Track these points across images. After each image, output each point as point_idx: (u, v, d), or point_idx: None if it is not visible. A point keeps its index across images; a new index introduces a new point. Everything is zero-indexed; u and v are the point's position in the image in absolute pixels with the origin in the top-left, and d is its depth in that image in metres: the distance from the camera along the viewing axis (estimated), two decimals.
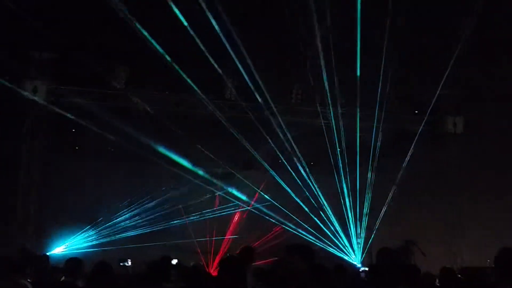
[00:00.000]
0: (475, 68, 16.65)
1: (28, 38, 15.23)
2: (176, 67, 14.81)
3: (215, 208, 18.82)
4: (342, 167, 18.38)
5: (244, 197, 18.58)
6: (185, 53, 15.01)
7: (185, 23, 13.23)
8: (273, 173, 17.94)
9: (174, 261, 11.37)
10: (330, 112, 17.61)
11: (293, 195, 17.89)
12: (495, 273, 4.83)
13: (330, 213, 18.43)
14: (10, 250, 14.06)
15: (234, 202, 18.64)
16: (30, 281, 6.26)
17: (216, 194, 18.81)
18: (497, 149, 17.99)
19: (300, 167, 17.69)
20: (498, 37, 15.98)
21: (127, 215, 17.91)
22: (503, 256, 4.68)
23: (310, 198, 18.07)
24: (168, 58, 14.51)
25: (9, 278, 5.47)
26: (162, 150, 16.60)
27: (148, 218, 17.78)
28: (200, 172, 17.86)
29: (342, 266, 7.45)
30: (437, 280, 7.31)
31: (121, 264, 13.18)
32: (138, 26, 13.58)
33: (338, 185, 18.28)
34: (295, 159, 17.54)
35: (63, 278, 6.99)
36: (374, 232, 18.66)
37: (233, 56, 14.71)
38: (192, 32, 13.73)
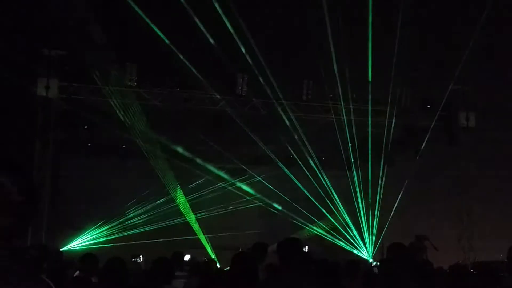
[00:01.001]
0: (487, 64, 16.57)
1: (40, 36, 15.32)
2: (187, 63, 14.85)
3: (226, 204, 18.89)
4: (354, 162, 18.36)
5: (255, 193, 18.61)
6: (195, 50, 15.05)
7: (198, 23, 13.22)
8: (285, 168, 17.94)
9: (187, 257, 11.44)
10: (342, 108, 17.59)
11: (304, 190, 17.89)
12: (508, 268, 4.86)
13: (342, 208, 18.41)
14: (24, 246, 14.19)
15: (245, 197, 18.68)
16: (45, 276, 6.31)
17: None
18: (510, 144, 17.88)
19: (311, 163, 17.69)
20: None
21: (139, 211, 18.00)
22: None
23: (322, 193, 18.06)
24: (180, 55, 14.55)
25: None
26: (173, 146, 16.67)
27: (160, 213, 17.85)
28: (212, 168, 17.93)
29: (355, 261, 7.46)
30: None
31: (133, 260, 13.22)
32: (149, 22, 13.61)
33: (349, 181, 18.27)
34: (306, 154, 17.53)
35: (77, 273, 7.05)
36: (386, 227, 18.63)
37: (244, 52, 14.73)
38: (203, 28, 13.76)
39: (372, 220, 18.57)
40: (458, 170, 18.58)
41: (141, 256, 14.04)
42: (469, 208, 18.47)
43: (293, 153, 17.59)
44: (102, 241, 17.36)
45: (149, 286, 6.38)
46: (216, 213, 18.58)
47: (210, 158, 18.03)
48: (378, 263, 14.32)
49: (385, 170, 18.35)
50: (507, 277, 4.96)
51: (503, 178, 18.06)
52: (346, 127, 17.55)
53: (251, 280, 4.79)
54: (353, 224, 18.60)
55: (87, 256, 7.29)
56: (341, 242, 18.59)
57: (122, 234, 17.50)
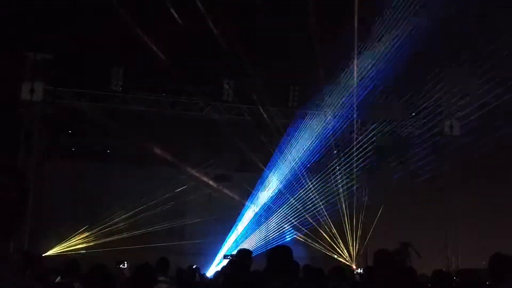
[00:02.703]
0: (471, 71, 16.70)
1: (25, 39, 15.23)
2: (173, 68, 14.84)
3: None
4: (338, 168, 18.42)
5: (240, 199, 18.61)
6: (181, 55, 15.05)
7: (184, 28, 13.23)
8: (269, 175, 17.97)
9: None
10: (327, 114, 17.67)
11: (288, 197, 17.92)
12: (490, 275, 4.92)
13: (326, 214, 18.44)
14: (7, 252, 14.03)
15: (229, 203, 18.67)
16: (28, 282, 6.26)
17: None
18: (493, 152, 18.03)
19: (296, 169, 17.74)
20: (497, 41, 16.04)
21: (123, 216, 17.88)
22: (496, 262, 4.80)
23: (305, 199, 18.10)
24: (166, 61, 14.54)
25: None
26: (158, 151, 16.63)
27: (145, 219, 17.74)
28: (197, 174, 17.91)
29: (339, 268, 7.48)
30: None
31: (117, 266, 13.14)
32: (135, 27, 13.60)
33: (334, 187, 18.31)
34: (291, 160, 17.58)
35: (58, 279, 6.99)
36: (369, 234, 18.70)
37: (230, 58, 14.76)
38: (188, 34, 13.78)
39: (355, 226, 18.62)
40: (442, 177, 18.71)
41: (125, 262, 13.97)
42: (452, 215, 18.59)
43: (277, 158, 17.63)
44: (85, 247, 17.22)
45: None
46: (202, 219, 18.52)
47: (195, 163, 18.01)
48: (361, 271, 14.37)
49: (369, 177, 18.44)
50: (491, 285, 5.00)
51: (487, 186, 18.21)
52: (331, 133, 17.63)
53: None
54: (336, 231, 18.63)
55: (67, 262, 7.25)
56: (325, 250, 18.62)
57: (106, 240, 17.36)
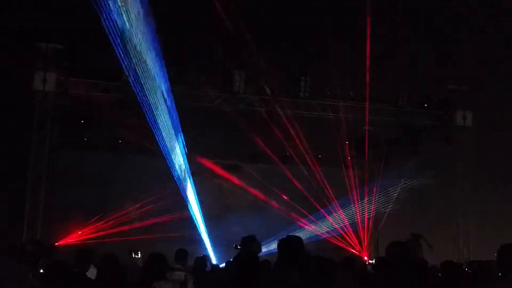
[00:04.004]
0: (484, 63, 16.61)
1: (37, 29, 15.27)
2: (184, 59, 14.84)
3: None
4: (350, 160, 18.39)
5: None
6: (192, 45, 15.04)
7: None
8: (281, 165, 17.95)
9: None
10: (339, 105, 17.61)
11: (300, 188, 17.91)
12: (498, 267, 4.91)
13: (338, 205, 18.43)
14: (20, 241, 14.18)
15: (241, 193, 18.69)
16: (42, 272, 6.32)
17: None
18: (507, 144, 17.91)
19: (308, 160, 17.71)
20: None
21: (136, 207, 17.95)
22: (505, 252, 4.78)
23: (318, 190, 18.09)
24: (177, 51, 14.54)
25: None
26: (169, 142, 16.65)
27: (157, 209, 17.80)
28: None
29: (350, 258, 7.46)
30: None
31: (132, 255, 13.20)
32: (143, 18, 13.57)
33: (346, 178, 18.29)
34: (303, 151, 17.55)
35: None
36: (381, 225, 18.68)
37: (242, 48, 14.73)
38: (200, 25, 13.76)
39: (367, 217, 18.60)
40: (455, 169, 18.59)
41: (139, 252, 14.03)
42: (464, 207, 18.49)
43: (289, 150, 17.61)
44: (97, 236, 17.30)
45: (144, 281, 6.38)
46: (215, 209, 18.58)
47: (206, 153, 18.03)
48: (373, 262, 14.36)
49: (381, 168, 18.39)
50: (501, 276, 4.99)
51: (500, 178, 18.10)
52: (344, 125, 17.58)
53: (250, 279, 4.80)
54: (348, 221, 18.62)
55: (82, 251, 7.27)
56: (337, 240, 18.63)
57: (118, 230, 17.43)
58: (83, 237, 17.36)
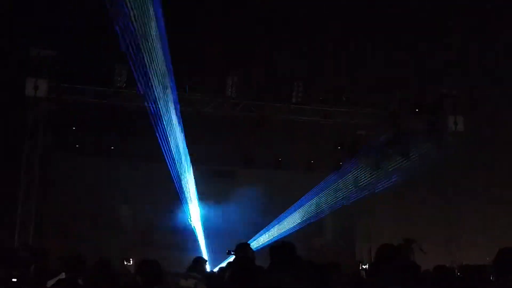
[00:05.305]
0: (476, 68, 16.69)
1: (30, 35, 15.23)
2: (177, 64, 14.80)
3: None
4: (342, 164, 18.41)
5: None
6: (184, 50, 15.02)
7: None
8: (273, 171, 17.97)
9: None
10: (330, 110, 17.65)
11: (293, 192, 17.93)
12: (496, 270, 4.89)
13: (330, 210, 18.45)
14: (12, 246, 14.11)
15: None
16: (33, 277, 6.28)
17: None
18: (497, 148, 18.00)
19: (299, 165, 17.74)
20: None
21: (127, 212, 17.91)
22: (503, 255, 4.75)
23: (309, 195, 18.11)
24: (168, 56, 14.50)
25: None
26: (162, 147, 16.61)
27: (148, 215, 17.76)
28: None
29: (337, 264, 7.44)
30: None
31: (124, 263, 13.20)
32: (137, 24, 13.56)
33: (338, 182, 18.30)
34: (294, 157, 17.57)
35: (62, 274, 6.99)
36: (374, 229, 18.69)
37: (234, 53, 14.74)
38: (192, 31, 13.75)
39: (359, 222, 18.63)
40: (447, 173, 18.64)
41: (131, 259, 14.00)
42: (457, 211, 18.53)
43: (281, 155, 17.64)
44: (90, 242, 17.22)
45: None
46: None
47: (199, 159, 18.01)
48: (366, 267, 14.37)
49: (373, 173, 18.41)
50: (494, 280, 4.99)
51: (492, 182, 18.16)
52: (335, 130, 17.61)
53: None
54: (340, 226, 18.65)
55: (73, 257, 7.23)
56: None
57: (110, 235, 17.37)
58: (75, 243, 17.26)
